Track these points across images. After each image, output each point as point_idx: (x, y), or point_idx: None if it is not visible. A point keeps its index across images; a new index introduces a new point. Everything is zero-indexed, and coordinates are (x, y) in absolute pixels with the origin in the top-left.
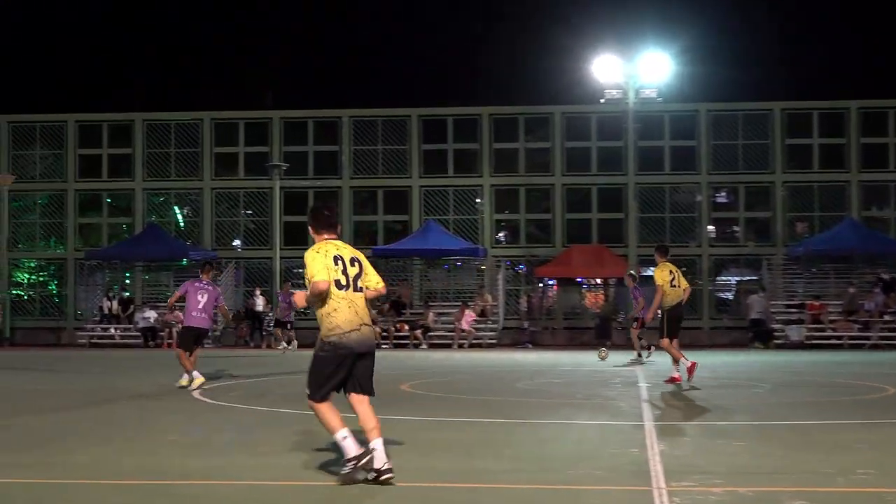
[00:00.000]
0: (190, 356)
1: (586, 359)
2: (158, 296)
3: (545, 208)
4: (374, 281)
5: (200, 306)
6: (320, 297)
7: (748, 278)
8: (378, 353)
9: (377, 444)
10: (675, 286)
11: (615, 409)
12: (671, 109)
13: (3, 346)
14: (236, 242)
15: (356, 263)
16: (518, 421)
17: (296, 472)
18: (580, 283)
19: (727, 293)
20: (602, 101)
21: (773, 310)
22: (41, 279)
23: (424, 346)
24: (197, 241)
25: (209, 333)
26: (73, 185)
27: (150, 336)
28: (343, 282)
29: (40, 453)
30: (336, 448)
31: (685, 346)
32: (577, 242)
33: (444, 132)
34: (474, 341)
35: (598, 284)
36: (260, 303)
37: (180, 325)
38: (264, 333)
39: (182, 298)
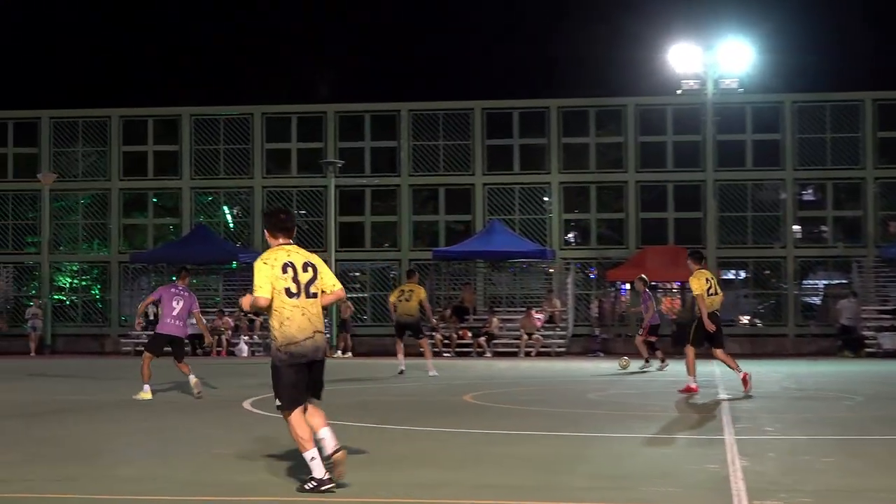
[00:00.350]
0: (179, 366)
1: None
2: (207, 301)
3: (617, 207)
4: (329, 284)
5: (175, 313)
6: (261, 310)
7: (837, 282)
8: (440, 362)
9: (325, 432)
10: (712, 294)
11: (693, 421)
12: (753, 101)
13: (44, 354)
14: None
15: (309, 268)
16: (590, 434)
17: (351, 488)
18: (655, 287)
19: (814, 298)
20: (679, 92)
21: (863, 316)
22: (83, 283)
23: (489, 355)
24: (247, 242)
25: (184, 341)
26: (116, 183)
27: (198, 343)
28: (294, 290)
29: (85, 466)
30: (394, 463)
31: (769, 355)
32: (651, 244)
33: (510, 126)
34: (542, 349)
35: (674, 288)
36: None
37: (224, 332)
38: None
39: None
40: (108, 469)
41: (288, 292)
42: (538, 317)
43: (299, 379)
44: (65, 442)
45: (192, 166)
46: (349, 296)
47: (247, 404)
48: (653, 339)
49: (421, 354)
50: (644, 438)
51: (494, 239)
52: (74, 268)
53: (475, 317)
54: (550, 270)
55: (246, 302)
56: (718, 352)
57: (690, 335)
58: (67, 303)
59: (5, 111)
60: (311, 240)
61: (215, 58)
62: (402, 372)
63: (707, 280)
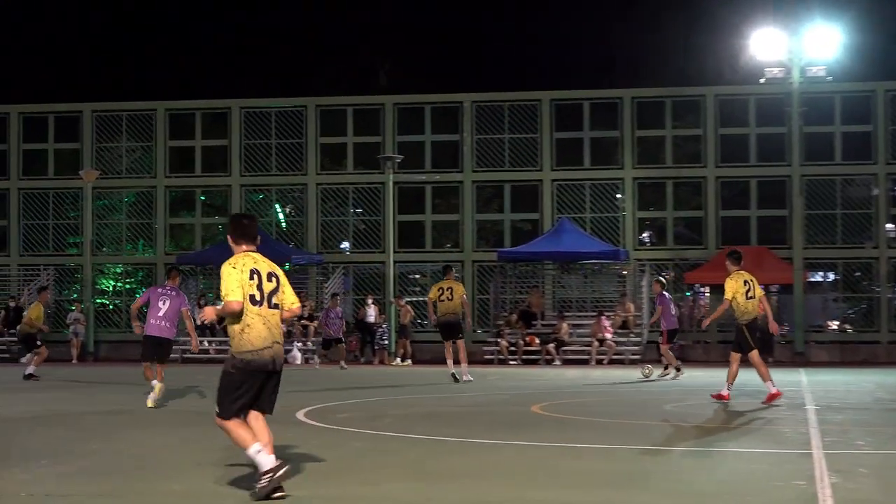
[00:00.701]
0: (154, 367)
1: (746, 377)
2: None
3: (696, 204)
4: (289, 300)
5: (161, 314)
6: (233, 316)
7: None
8: (506, 371)
9: (261, 448)
10: (751, 297)
11: (778, 434)
12: (842, 89)
13: (86, 361)
14: (344, 245)
15: (273, 279)
16: (667, 448)
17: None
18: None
19: None
20: (762, 80)
21: None
22: (128, 286)
23: (558, 363)
24: (300, 243)
25: (171, 343)
26: (163, 180)
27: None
28: (258, 297)
29: (130, 480)
30: (458, 478)
31: (860, 363)
32: (732, 244)
33: (580, 118)
34: (615, 357)
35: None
36: (372, 313)
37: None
38: (377, 347)
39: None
40: (154, 483)
41: (252, 299)
42: (605, 324)
43: (247, 391)
44: (108, 454)
45: (241, 162)
46: (409, 300)
47: (301, 415)
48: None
49: (479, 362)
50: (724, 452)
51: (564, 239)
52: (118, 270)
53: (543, 322)
54: (624, 272)
55: (210, 312)
56: (753, 354)
57: (745, 343)
58: (111, 307)
59: (45, 105)
60: (367, 240)
61: (266, 46)
62: (456, 379)
63: (746, 283)
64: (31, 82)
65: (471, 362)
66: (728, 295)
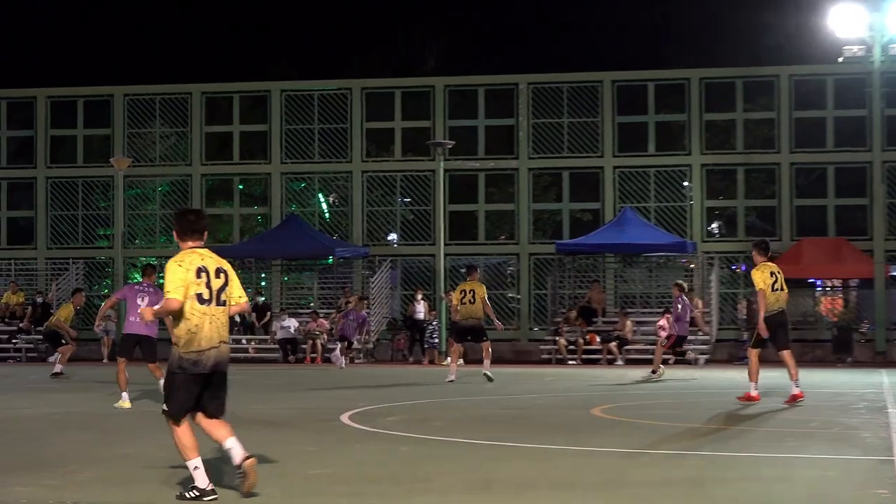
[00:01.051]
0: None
1: (822, 378)
2: (300, 301)
3: (769, 193)
4: (236, 295)
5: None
6: (171, 315)
7: None
8: (564, 371)
9: (231, 442)
10: (777, 290)
11: (857, 440)
12: None
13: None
14: (392, 237)
15: (221, 275)
16: (735, 454)
17: None
18: (813, 285)
19: None
20: (840, 59)
21: None
22: (161, 281)
23: (620, 362)
24: (345, 234)
25: (154, 340)
26: (198, 168)
27: (291, 349)
28: (206, 296)
29: (163, 487)
30: (520, 486)
31: None
32: (808, 235)
33: (644, 101)
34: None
35: (835, 287)
36: (421, 309)
37: (278, 334)
38: (426, 346)
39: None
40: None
41: (200, 298)
42: (660, 322)
43: (194, 388)
44: (139, 458)
45: (282, 149)
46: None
47: (345, 418)
48: (669, 352)
49: (535, 362)
50: (799, 458)
51: (626, 230)
52: (152, 263)
53: (604, 319)
54: (691, 266)
55: (149, 313)
56: (784, 353)
57: (753, 337)
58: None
59: (74, 88)
60: (416, 231)
61: (308, 26)
62: (451, 381)
63: (773, 274)
64: (59, 64)
65: (527, 362)
66: (760, 285)
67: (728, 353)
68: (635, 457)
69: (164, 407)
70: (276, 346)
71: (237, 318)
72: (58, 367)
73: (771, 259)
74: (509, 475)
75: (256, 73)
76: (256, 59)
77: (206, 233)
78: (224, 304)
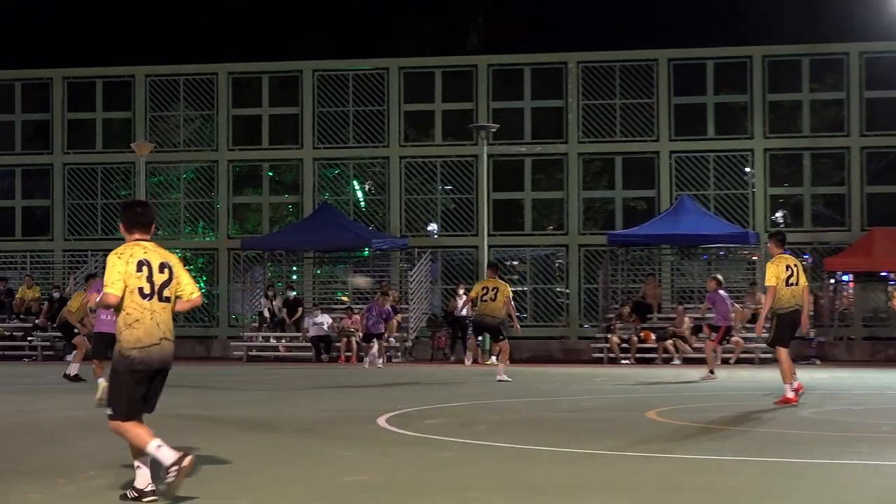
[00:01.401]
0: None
1: (894, 379)
2: (333, 296)
3: (838, 179)
4: (188, 290)
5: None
6: (109, 308)
7: None
8: (617, 371)
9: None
10: (792, 284)
11: None
12: None
13: None
14: (432, 227)
15: (165, 270)
16: (803, 461)
17: None
18: (885, 279)
19: None
20: None
21: None
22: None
23: (677, 361)
24: (381, 225)
25: None
26: (225, 154)
27: (324, 347)
28: (147, 290)
29: (199, 495)
30: (573, 492)
31: None
32: (880, 224)
33: (703, 80)
34: (742, 355)
35: None
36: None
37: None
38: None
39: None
40: (220, 500)
41: (141, 292)
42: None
43: (137, 389)
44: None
45: (315, 133)
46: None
47: (382, 420)
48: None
49: (585, 361)
50: (870, 466)
51: (683, 219)
52: (176, 255)
53: (660, 315)
54: (754, 258)
55: (93, 300)
56: (781, 351)
57: (771, 335)
58: None
59: (93, 68)
60: (458, 221)
61: (342, 1)
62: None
63: (788, 267)
64: (77, 44)
65: (576, 361)
66: (770, 281)
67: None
68: (693, 463)
69: (108, 410)
70: (309, 343)
71: (265, 314)
72: (73, 368)
73: (836, 252)
74: (557, 482)
75: (287, 53)
76: (287, 37)
77: (153, 226)
78: (167, 300)
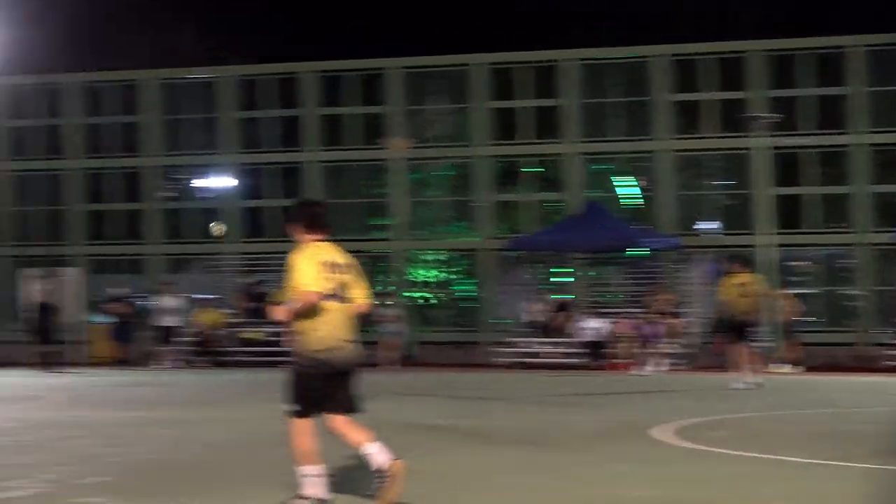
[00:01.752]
0: None
1: None
2: (602, 298)
3: None
4: (359, 295)
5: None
6: (312, 310)
7: None
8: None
9: (372, 447)
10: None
11: None
12: None
13: (405, 365)
14: (705, 225)
15: (347, 271)
16: None
17: None
18: None
19: None
20: None
21: None
22: (441, 277)
23: None
24: (651, 223)
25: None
26: (482, 149)
27: (594, 353)
28: (332, 291)
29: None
30: None
31: None
32: None
33: None
34: None
35: None
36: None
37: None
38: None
39: None
40: None
41: (327, 294)
42: None
43: (323, 390)
44: (422, 477)
45: (579, 124)
46: (795, 292)
47: (661, 431)
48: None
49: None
50: None
51: None
52: (428, 257)
53: None
54: None
55: (281, 311)
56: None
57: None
58: (421, 302)
59: (344, 61)
60: (733, 220)
61: None
62: (756, 386)
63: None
64: (328, 36)
65: (867, 369)
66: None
67: None
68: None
69: (292, 407)
70: (577, 350)
71: (532, 318)
72: None
73: None
74: (854, 501)
75: (547, 40)
76: (546, 24)
77: (331, 227)
78: (349, 300)
